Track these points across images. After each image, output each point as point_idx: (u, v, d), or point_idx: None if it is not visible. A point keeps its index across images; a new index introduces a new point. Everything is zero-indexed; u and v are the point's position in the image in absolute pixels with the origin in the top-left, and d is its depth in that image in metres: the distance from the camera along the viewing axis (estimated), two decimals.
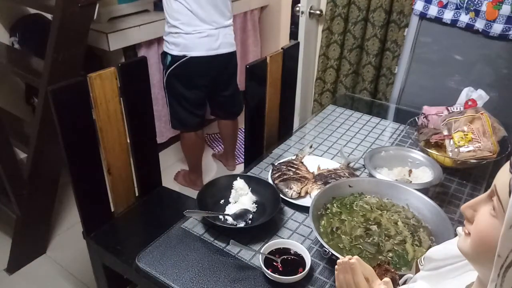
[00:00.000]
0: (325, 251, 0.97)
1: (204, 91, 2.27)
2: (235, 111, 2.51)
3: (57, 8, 1.69)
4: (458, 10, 1.62)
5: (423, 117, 1.53)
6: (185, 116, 2.29)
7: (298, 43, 2.00)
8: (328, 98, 2.39)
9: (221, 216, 1.17)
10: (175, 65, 2.11)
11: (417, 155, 1.36)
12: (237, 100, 2.46)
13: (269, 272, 0.96)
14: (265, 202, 1.22)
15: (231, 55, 2.22)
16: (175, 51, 2.08)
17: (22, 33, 2.38)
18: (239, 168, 2.76)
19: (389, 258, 0.98)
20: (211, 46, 2.10)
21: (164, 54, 2.16)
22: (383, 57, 2.18)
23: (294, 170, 1.33)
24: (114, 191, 1.56)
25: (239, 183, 1.24)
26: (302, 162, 1.40)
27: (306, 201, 1.23)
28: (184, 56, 2.08)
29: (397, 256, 0.99)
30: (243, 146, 2.10)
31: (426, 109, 1.54)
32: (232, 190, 1.24)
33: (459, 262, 0.65)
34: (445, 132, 1.37)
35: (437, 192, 1.30)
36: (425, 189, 1.19)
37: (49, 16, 2.34)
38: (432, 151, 1.37)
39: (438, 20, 1.67)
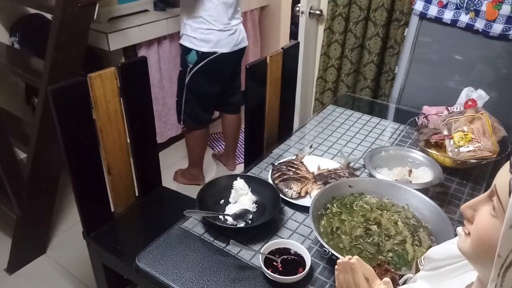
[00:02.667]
0: (325, 251, 0.97)
1: (223, 86, 2.30)
2: (240, 103, 2.53)
3: (57, 8, 1.69)
4: (458, 10, 1.62)
5: (423, 117, 1.53)
6: (200, 113, 2.29)
7: (298, 43, 2.00)
8: (329, 97, 2.39)
9: (221, 216, 1.17)
10: (203, 62, 2.08)
11: (417, 155, 1.36)
12: (240, 92, 2.51)
13: (269, 272, 0.96)
14: (265, 202, 1.22)
15: (245, 49, 2.28)
16: (205, 48, 2.06)
17: (22, 33, 2.38)
18: (239, 168, 2.76)
19: (389, 258, 0.98)
20: (235, 41, 2.14)
21: (187, 51, 2.10)
22: (385, 55, 2.19)
23: (294, 170, 1.33)
24: (114, 191, 1.56)
25: (239, 183, 1.24)
26: (302, 162, 1.40)
27: (306, 201, 1.23)
28: (214, 52, 2.07)
29: (397, 256, 0.99)
30: (243, 146, 2.10)
31: (426, 109, 1.54)
32: (232, 190, 1.24)
33: (459, 262, 0.65)
34: (445, 132, 1.37)
35: (437, 192, 1.30)
36: (425, 189, 1.19)
37: (49, 16, 2.34)
38: (432, 151, 1.37)
39: (438, 20, 1.67)
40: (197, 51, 2.07)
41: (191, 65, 2.12)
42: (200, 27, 2.03)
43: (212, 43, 2.06)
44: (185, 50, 2.11)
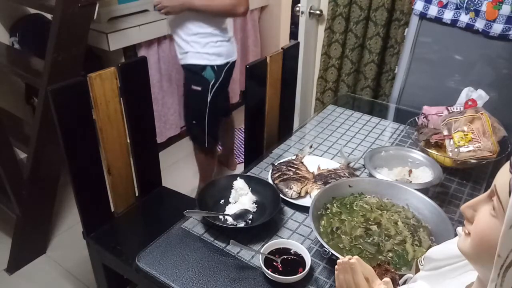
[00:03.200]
0: (325, 251, 0.97)
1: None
2: (229, 106, 2.50)
3: (57, 8, 1.69)
4: (458, 10, 1.62)
5: (423, 117, 1.53)
6: (217, 128, 2.20)
7: (298, 43, 2.00)
8: (330, 97, 2.39)
9: (221, 216, 1.17)
10: (221, 75, 2.00)
11: (417, 155, 1.36)
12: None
13: (269, 272, 0.96)
14: (265, 202, 1.22)
15: None
16: (218, 61, 1.98)
17: (22, 33, 2.39)
18: (239, 168, 2.76)
19: (389, 258, 0.98)
20: (236, 48, 2.12)
21: (202, 68, 1.97)
22: (386, 55, 2.19)
23: (294, 170, 1.33)
24: (114, 191, 1.56)
25: (239, 183, 1.24)
26: (302, 162, 1.40)
27: (306, 201, 1.23)
28: (227, 63, 2.01)
29: (397, 256, 0.99)
30: (243, 146, 2.10)
31: (426, 109, 1.54)
32: (232, 190, 1.24)
33: (459, 262, 0.65)
34: (445, 132, 1.37)
35: (437, 192, 1.30)
36: (425, 189, 1.19)
37: (49, 16, 2.34)
38: (432, 151, 1.37)
39: (438, 20, 1.67)
40: (212, 66, 1.97)
41: (212, 82, 2.00)
42: (210, 40, 1.94)
43: (224, 55, 1.99)
44: (201, 68, 1.98)
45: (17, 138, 1.98)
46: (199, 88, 2.03)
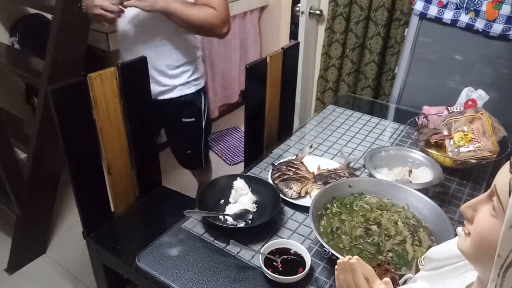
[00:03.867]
0: (325, 251, 0.97)
1: None
2: None
3: (57, 8, 1.69)
4: (458, 10, 1.62)
5: (423, 117, 1.53)
6: (209, 145, 2.09)
7: (298, 43, 1.99)
8: (330, 97, 2.39)
9: (221, 216, 1.17)
10: (204, 95, 1.83)
11: (417, 155, 1.36)
12: None
13: (269, 272, 0.96)
14: (265, 202, 1.22)
15: None
16: (202, 82, 1.81)
17: (22, 33, 2.39)
18: (239, 168, 2.75)
19: (389, 258, 0.98)
20: None
21: (193, 97, 1.78)
22: (386, 55, 2.19)
23: (294, 170, 1.33)
24: (114, 191, 1.56)
25: (239, 183, 1.24)
26: (302, 162, 1.40)
27: (306, 201, 1.23)
28: (203, 81, 1.85)
29: (397, 256, 0.99)
30: (243, 146, 2.09)
31: (426, 109, 1.54)
32: (232, 190, 1.24)
33: (459, 262, 0.65)
34: (445, 132, 1.37)
35: (437, 192, 1.30)
36: (425, 189, 1.19)
37: (49, 16, 2.34)
38: (432, 151, 1.37)
39: (438, 20, 1.67)
40: (199, 90, 1.79)
41: (203, 107, 1.82)
42: (197, 64, 1.77)
43: (203, 73, 1.83)
44: (192, 97, 1.76)
45: (17, 138, 1.98)
46: (193, 119, 1.80)
